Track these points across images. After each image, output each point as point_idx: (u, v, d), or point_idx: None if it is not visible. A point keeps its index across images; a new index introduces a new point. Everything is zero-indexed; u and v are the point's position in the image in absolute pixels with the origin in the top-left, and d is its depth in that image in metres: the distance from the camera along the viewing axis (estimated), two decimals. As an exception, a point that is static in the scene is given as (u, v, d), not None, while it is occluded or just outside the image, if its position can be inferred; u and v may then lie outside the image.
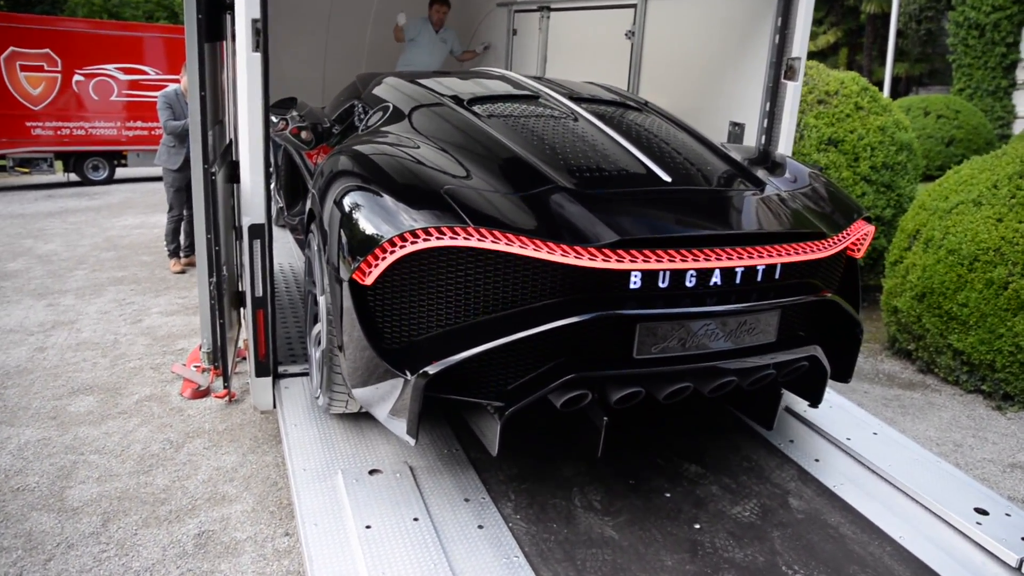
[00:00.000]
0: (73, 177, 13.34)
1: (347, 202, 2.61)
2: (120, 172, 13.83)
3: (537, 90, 3.71)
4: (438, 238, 2.34)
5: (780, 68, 4.02)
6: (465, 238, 2.35)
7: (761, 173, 3.16)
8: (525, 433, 3.12)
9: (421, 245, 2.34)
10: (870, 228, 3.17)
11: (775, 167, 3.38)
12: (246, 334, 3.93)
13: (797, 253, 2.69)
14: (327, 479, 2.77)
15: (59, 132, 12.86)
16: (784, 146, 4.06)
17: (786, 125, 4.05)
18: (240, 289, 3.92)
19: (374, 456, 2.93)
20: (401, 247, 2.34)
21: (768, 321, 2.70)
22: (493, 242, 2.36)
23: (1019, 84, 15.67)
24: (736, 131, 4.41)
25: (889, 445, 3.25)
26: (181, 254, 7.25)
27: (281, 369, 3.50)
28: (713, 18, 4.64)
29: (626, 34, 5.40)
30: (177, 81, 7.26)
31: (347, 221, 2.56)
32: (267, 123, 3.12)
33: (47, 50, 12.48)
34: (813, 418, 3.44)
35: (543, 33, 6.65)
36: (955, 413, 4.36)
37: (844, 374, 3.10)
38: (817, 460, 3.15)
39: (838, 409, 3.56)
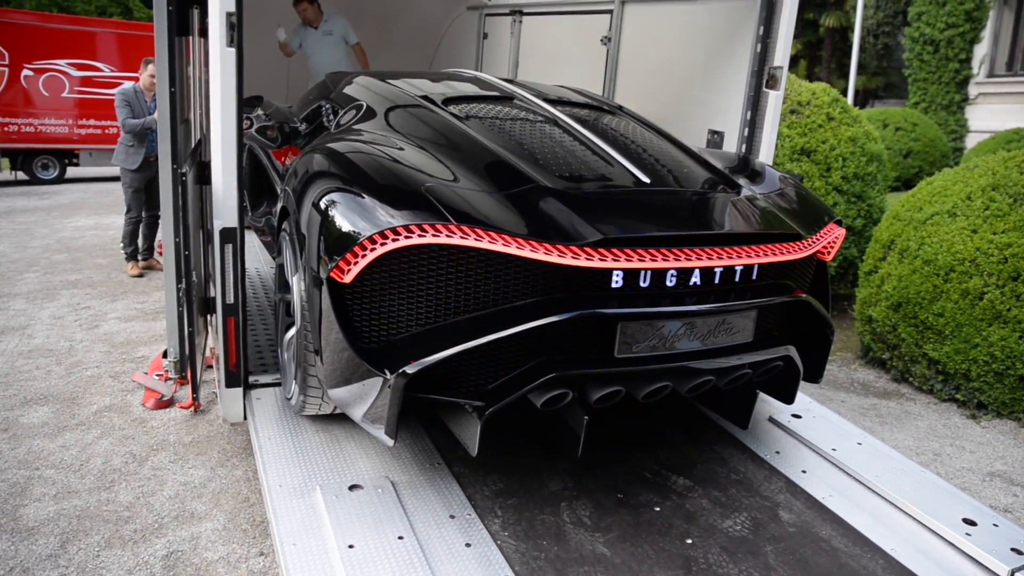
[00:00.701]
0: (21, 176, 12.86)
1: (325, 199, 2.56)
2: (71, 171, 13.37)
3: (512, 92, 3.70)
4: (420, 235, 2.30)
5: (762, 77, 4.01)
6: (448, 236, 2.32)
7: (735, 176, 3.20)
8: (509, 446, 3.04)
9: (402, 243, 2.31)
10: (841, 231, 3.22)
11: (749, 171, 3.42)
12: (213, 342, 3.77)
13: (775, 254, 2.74)
14: (305, 496, 2.64)
15: (6, 128, 12.39)
16: (765, 155, 4.04)
17: (767, 134, 4.04)
18: (209, 295, 3.75)
19: (353, 471, 2.81)
20: (382, 244, 2.31)
21: (746, 321, 2.73)
22: (476, 240, 2.33)
23: (972, 99, 16.11)
24: (715, 139, 4.39)
25: (874, 455, 3.23)
26: (139, 257, 7.00)
27: (252, 379, 3.36)
28: (693, 26, 4.61)
29: (602, 40, 5.36)
30: (135, 79, 7.02)
31: (325, 219, 2.50)
32: (240, 122, 2.98)
33: (-6, 43, 12.03)
34: (797, 429, 3.42)
35: (515, 37, 6.58)
36: (931, 422, 4.39)
37: (815, 374, 3.14)
38: (804, 471, 3.12)
39: (821, 419, 3.55)
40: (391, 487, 2.70)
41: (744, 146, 4.11)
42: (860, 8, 13.94)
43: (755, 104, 4.05)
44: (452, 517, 2.59)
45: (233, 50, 2.84)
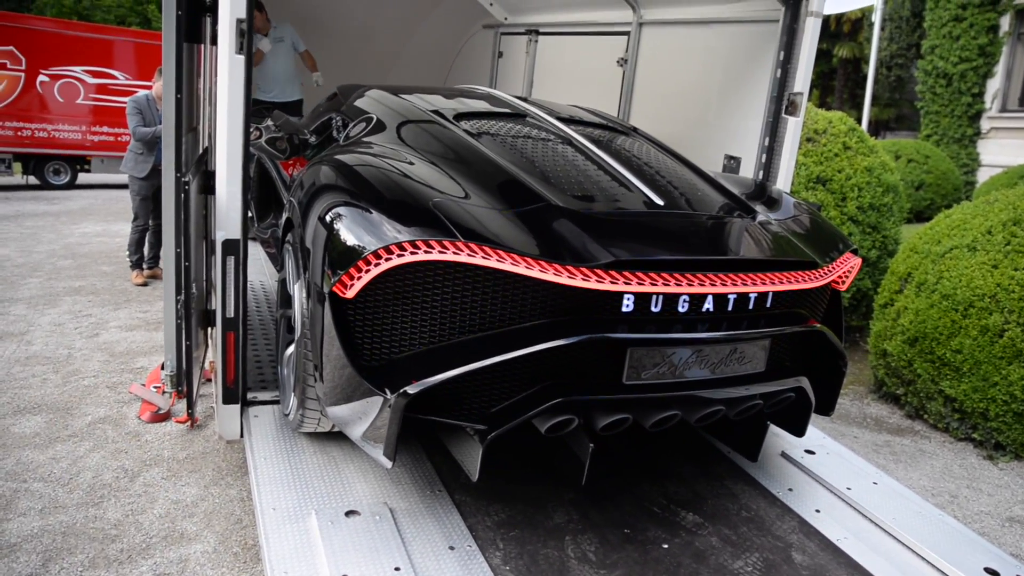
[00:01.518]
0: (32, 180, 12.86)
1: (330, 212, 2.49)
2: (82, 177, 13.38)
3: (525, 109, 3.66)
4: (426, 252, 2.24)
5: (781, 102, 3.94)
6: (454, 253, 2.25)
7: (750, 201, 3.14)
8: (513, 474, 2.93)
9: (407, 259, 2.24)
10: (857, 261, 3.16)
11: (764, 197, 3.35)
12: (213, 355, 3.68)
13: (790, 282, 2.67)
14: (299, 520, 2.53)
15: (20, 133, 12.41)
16: (783, 182, 3.96)
17: (785, 161, 3.96)
18: (209, 307, 3.66)
19: (351, 496, 2.70)
20: (387, 259, 2.24)
21: (758, 350, 2.66)
22: (483, 258, 2.26)
23: (984, 133, 16.05)
24: (732, 164, 4.31)
25: (891, 496, 3.12)
26: (144, 265, 6.94)
27: (250, 396, 3.26)
28: (711, 49, 4.56)
29: (618, 61, 5.31)
30: (148, 87, 6.99)
31: (329, 232, 2.44)
32: (248, 131, 2.91)
33: (11, 47, 12.06)
34: (811, 466, 3.30)
35: (530, 57, 6.55)
36: (947, 461, 4.25)
37: (827, 407, 3.05)
38: (818, 511, 3.00)
39: (835, 456, 3.43)
40: (389, 514, 2.60)
41: (762, 172, 4.03)
42: (876, 40, 13.92)
43: (773, 130, 3.97)
44: (452, 548, 2.48)
45: (242, 57, 2.78)
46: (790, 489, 3.14)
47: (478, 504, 2.73)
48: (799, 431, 3.04)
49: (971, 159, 16.15)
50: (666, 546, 2.66)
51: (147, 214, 6.75)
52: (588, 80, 5.76)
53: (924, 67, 16.81)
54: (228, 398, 3.07)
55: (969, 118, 16.16)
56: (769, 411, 2.92)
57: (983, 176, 15.83)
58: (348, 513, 2.58)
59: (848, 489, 3.13)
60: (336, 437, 3.03)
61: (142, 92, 6.78)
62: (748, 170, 4.15)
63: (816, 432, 3.66)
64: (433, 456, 3.00)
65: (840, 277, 3.05)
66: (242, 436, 3.10)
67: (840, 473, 3.26)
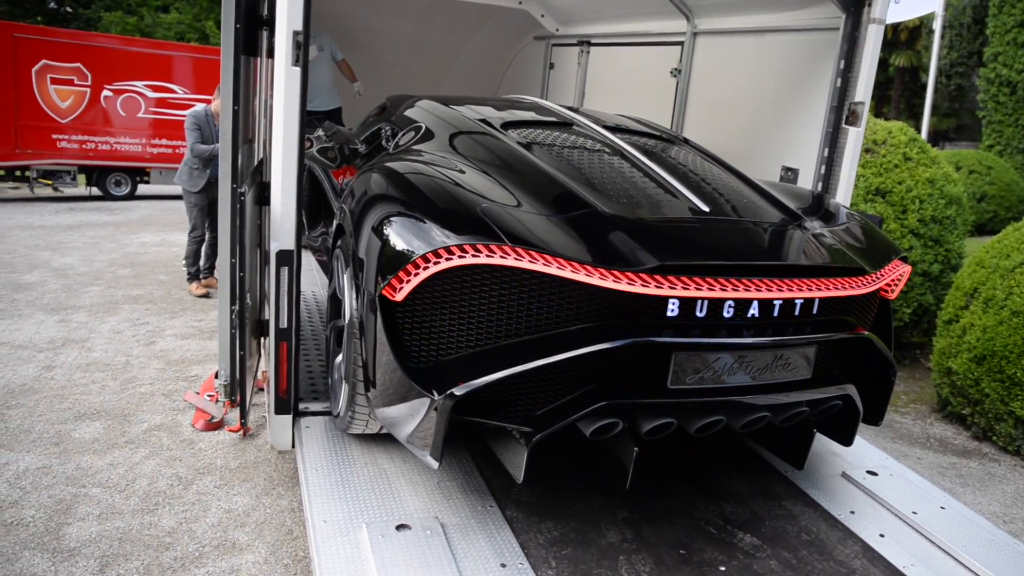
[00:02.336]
0: (95, 191, 13.28)
1: (381, 217, 2.55)
2: (142, 189, 13.76)
3: (572, 118, 3.70)
4: (474, 255, 2.27)
5: (841, 112, 3.83)
6: (502, 256, 2.27)
7: (798, 208, 3.11)
8: (564, 489, 2.88)
9: (455, 262, 2.27)
10: (907, 268, 3.10)
11: (811, 204, 3.32)
12: (265, 365, 3.72)
13: (836, 288, 2.64)
14: (350, 533, 2.52)
15: (84, 146, 12.82)
16: (843, 193, 3.85)
17: (846, 171, 3.85)
18: (262, 317, 3.70)
19: (402, 509, 2.68)
20: (435, 263, 2.27)
21: (805, 357, 2.64)
22: (530, 262, 2.28)
23: (1051, 142, 15.49)
24: (789, 176, 4.21)
25: (960, 522, 2.98)
26: (201, 276, 7.04)
27: (302, 407, 3.28)
28: (767, 59, 4.46)
29: (671, 72, 5.24)
30: (206, 100, 7.13)
31: (380, 236, 2.49)
32: (303, 142, 2.93)
33: (79, 64, 12.49)
34: (873, 487, 3.18)
35: (582, 68, 6.52)
36: (1019, 486, 4.06)
37: (875, 417, 3.02)
38: (882, 535, 2.88)
39: (899, 478, 3.30)
40: (440, 529, 2.57)
41: (821, 183, 3.92)
42: (936, 48, 13.53)
43: (833, 140, 3.87)
44: (503, 566, 2.44)
45: (298, 69, 2.80)
46: (852, 512, 3.02)
47: (530, 520, 2.68)
48: (847, 440, 3.01)
49: (1036, 169, 15.60)
50: (723, 568, 2.57)
51: (203, 224, 6.86)
52: (641, 91, 5.70)
53: (986, 75, 16.32)
54: (280, 408, 3.08)
55: (1034, 127, 15.63)
56: (816, 419, 2.89)
57: (1050, 187, 15.26)
58: (399, 527, 2.56)
59: (914, 513, 3.00)
60: (386, 448, 3.03)
61: (201, 106, 6.88)
62: (806, 182, 4.04)
63: (878, 453, 3.54)
64: (483, 468, 2.96)
65: (889, 284, 3.01)
66: (293, 446, 3.11)
67: (905, 496, 3.14)
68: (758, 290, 2.45)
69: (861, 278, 2.75)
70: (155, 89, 13.21)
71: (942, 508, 3.07)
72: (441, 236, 2.32)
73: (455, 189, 2.63)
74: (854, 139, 3.78)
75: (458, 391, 2.28)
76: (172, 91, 13.33)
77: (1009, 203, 13.44)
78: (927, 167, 5.84)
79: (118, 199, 13.32)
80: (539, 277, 2.33)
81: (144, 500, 3.37)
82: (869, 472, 3.31)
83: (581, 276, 2.29)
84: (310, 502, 2.69)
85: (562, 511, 2.76)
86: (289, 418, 3.10)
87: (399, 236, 2.42)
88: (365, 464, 2.95)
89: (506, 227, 2.38)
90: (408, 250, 2.34)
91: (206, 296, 6.87)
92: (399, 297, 2.33)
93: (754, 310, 2.49)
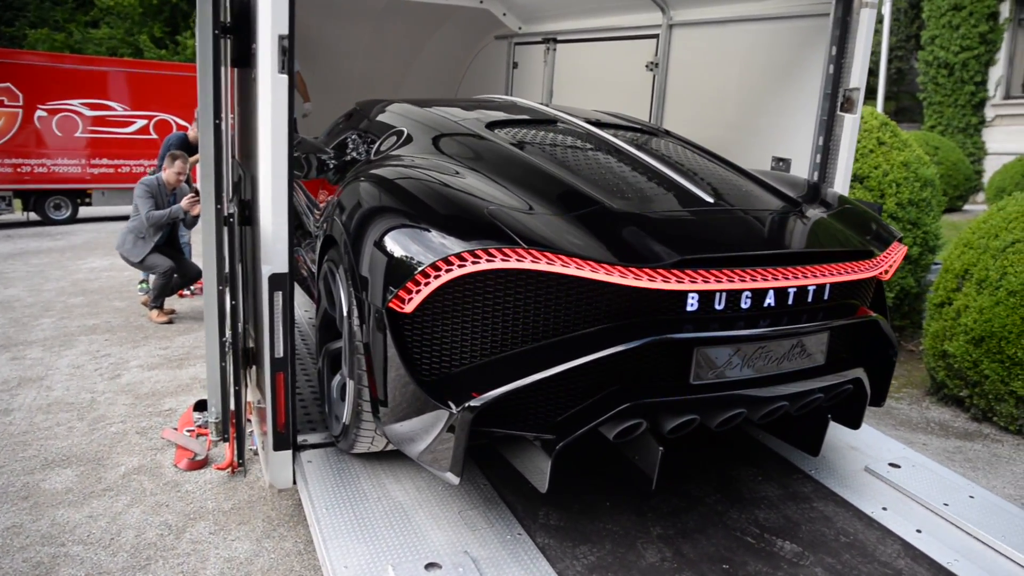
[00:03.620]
0: (33, 216, 12.65)
1: (384, 228, 2.45)
2: (84, 211, 13.17)
3: (555, 115, 3.61)
4: (488, 260, 2.18)
5: (835, 99, 3.76)
6: (518, 260, 2.18)
7: (793, 194, 3.12)
8: (592, 510, 2.73)
9: (469, 268, 2.18)
10: (903, 249, 3.15)
11: (804, 190, 3.31)
12: (251, 395, 3.47)
13: (847, 272, 2.66)
14: (376, 578, 2.32)
15: (19, 169, 12.21)
16: (841, 182, 3.78)
17: (843, 160, 3.78)
18: (247, 345, 3.45)
19: (427, 546, 2.48)
20: (447, 271, 2.19)
21: (819, 343, 2.64)
22: (548, 264, 2.20)
23: (989, 121, 15.94)
24: (780, 167, 4.13)
25: (992, 511, 2.92)
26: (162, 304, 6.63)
27: (300, 439, 3.05)
28: (752, 48, 4.37)
29: (647, 66, 5.13)
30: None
31: (383, 247, 2.39)
32: (292, 156, 2.71)
33: (7, 84, 11.89)
34: (899, 481, 3.11)
35: (548, 66, 6.37)
36: (1027, 467, 4.05)
37: (878, 398, 3.03)
38: (919, 531, 2.80)
39: (923, 469, 3.23)
40: (472, 564, 2.38)
41: (816, 173, 3.84)
42: (887, 31, 13.79)
43: (828, 128, 3.79)
44: (546, 600, 2.27)
45: (285, 76, 2.59)
46: (884, 508, 2.94)
47: (563, 546, 2.52)
48: (855, 423, 3.00)
49: (977, 148, 16.04)
50: (771, 582, 2.45)
51: (167, 260, 6.44)
52: (614, 86, 5.58)
53: (925, 58, 16.72)
54: (279, 444, 2.85)
55: (973, 107, 16.07)
56: (828, 405, 2.88)
57: (990, 164, 15.70)
58: (428, 566, 2.36)
59: (945, 505, 2.94)
60: (396, 476, 2.84)
61: (152, 176, 6.43)
62: (799, 171, 3.97)
63: (895, 444, 3.49)
64: (504, 493, 2.79)
65: (888, 266, 3.03)
66: (294, 483, 2.89)
67: (933, 488, 3.07)
68: (775, 279, 2.45)
69: (869, 261, 2.77)
70: (92, 107, 12.66)
71: (971, 497, 3.01)
72: (449, 243, 2.23)
73: (456, 193, 2.52)
74: (850, 126, 3.72)
75: (477, 402, 2.20)
76: (111, 108, 12.78)
77: (956, 182, 13.78)
78: (900, 151, 5.86)
79: (59, 223, 12.72)
80: (556, 279, 2.26)
81: (133, 555, 3.08)
82: (891, 464, 3.24)
83: (601, 275, 2.22)
84: (325, 546, 2.47)
85: (594, 533, 2.60)
86: (289, 454, 2.87)
87: (404, 247, 2.32)
88: (378, 498, 2.74)
89: (517, 229, 2.29)
90: (415, 260, 2.24)
91: (168, 323, 6.51)
92: (409, 309, 2.24)
93: (771, 299, 2.47)
